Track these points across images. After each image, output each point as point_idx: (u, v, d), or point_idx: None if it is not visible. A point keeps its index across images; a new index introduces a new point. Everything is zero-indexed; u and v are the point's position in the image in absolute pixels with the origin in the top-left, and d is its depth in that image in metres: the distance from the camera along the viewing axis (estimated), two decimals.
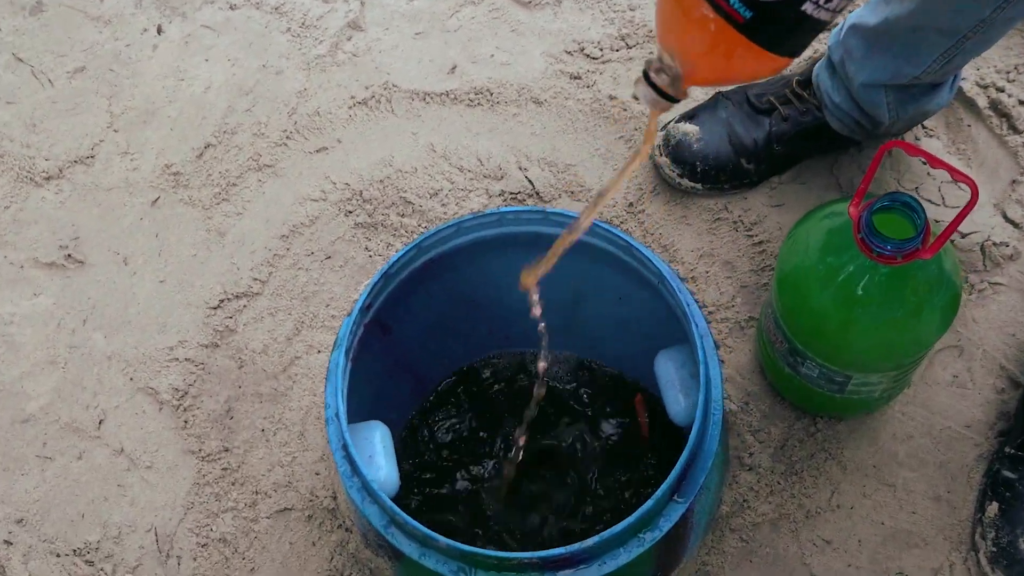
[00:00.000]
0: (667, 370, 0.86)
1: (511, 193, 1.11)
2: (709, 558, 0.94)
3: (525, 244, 0.85)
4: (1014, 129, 1.13)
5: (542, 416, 0.94)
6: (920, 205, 0.76)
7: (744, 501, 0.96)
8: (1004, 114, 1.14)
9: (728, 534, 0.95)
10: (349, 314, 0.78)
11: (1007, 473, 0.94)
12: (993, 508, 0.93)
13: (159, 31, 1.20)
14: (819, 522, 0.96)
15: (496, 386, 1.01)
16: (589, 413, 1.00)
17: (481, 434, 0.99)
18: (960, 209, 0.76)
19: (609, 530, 0.69)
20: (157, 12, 1.22)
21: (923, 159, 0.79)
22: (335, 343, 0.78)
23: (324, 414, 0.75)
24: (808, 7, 0.56)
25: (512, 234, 0.85)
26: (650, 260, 0.82)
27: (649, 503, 0.70)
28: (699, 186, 1.10)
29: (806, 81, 1.08)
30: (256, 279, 1.06)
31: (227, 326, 1.04)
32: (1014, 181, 1.11)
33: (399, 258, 0.80)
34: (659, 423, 0.97)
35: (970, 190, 0.75)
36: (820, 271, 0.85)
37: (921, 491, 0.97)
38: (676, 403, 0.85)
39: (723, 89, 1.13)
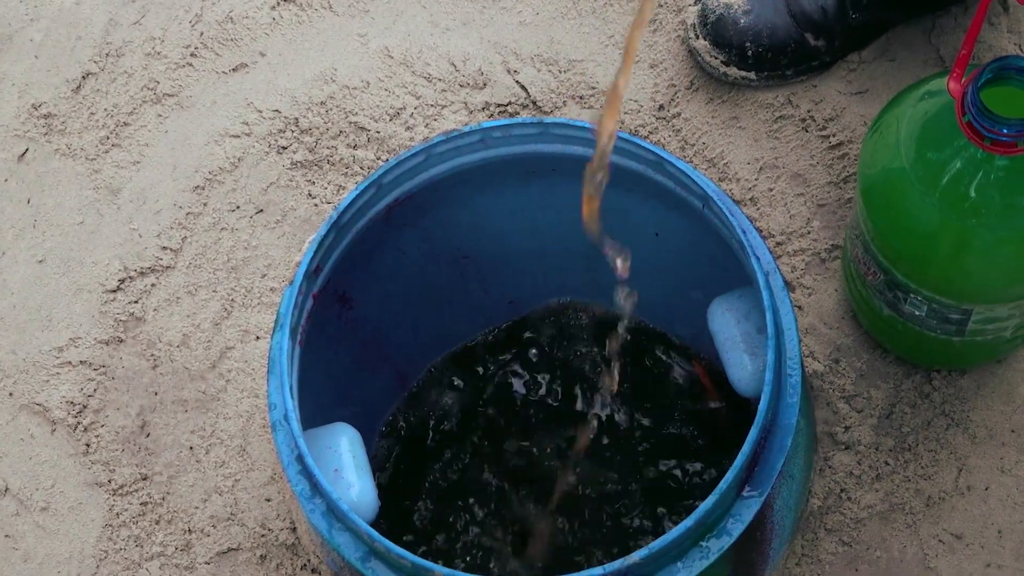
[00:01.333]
0: (725, 323, 0.90)
1: (498, 105, 1.16)
2: (800, 570, 0.98)
3: (520, 170, 0.89)
4: None
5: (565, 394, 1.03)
6: None
7: (842, 491, 1.00)
8: None
9: (823, 535, 0.99)
10: (291, 283, 0.80)
11: None
12: None
13: None
14: (944, 511, 1.01)
15: (501, 371, 1.05)
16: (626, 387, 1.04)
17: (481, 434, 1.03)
18: None
19: (660, 539, 0.70)
20: None
21: None
22: (275, 323, 0.80)
23: (269, 418, 0.77)
24: None
25: (502, 157, 0.87)
26: (690, 177, 0.83)
27: (711, 500, 0.72)
28: (752, 75, 1.15)
29: None
30: (166, 247, 1.10)
31: (132, 313, 1.08)
32: None
33: (352, 201, 0.82)
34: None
35: None
36: (919, 172, 0.89)
37: None
38: (740, 367, 0.88)
39: None
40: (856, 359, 1.05)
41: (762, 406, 0.76)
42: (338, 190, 1.12)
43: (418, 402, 1.03)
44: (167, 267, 1.09)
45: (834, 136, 1.14)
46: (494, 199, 0.91)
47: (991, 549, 0.99)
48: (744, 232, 0.82)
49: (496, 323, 1.06)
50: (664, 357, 1.06)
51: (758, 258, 0.81)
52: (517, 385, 1.05)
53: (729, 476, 0.73)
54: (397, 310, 0.97)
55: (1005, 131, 0.80)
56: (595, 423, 1.03)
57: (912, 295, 0.95)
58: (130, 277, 1.09)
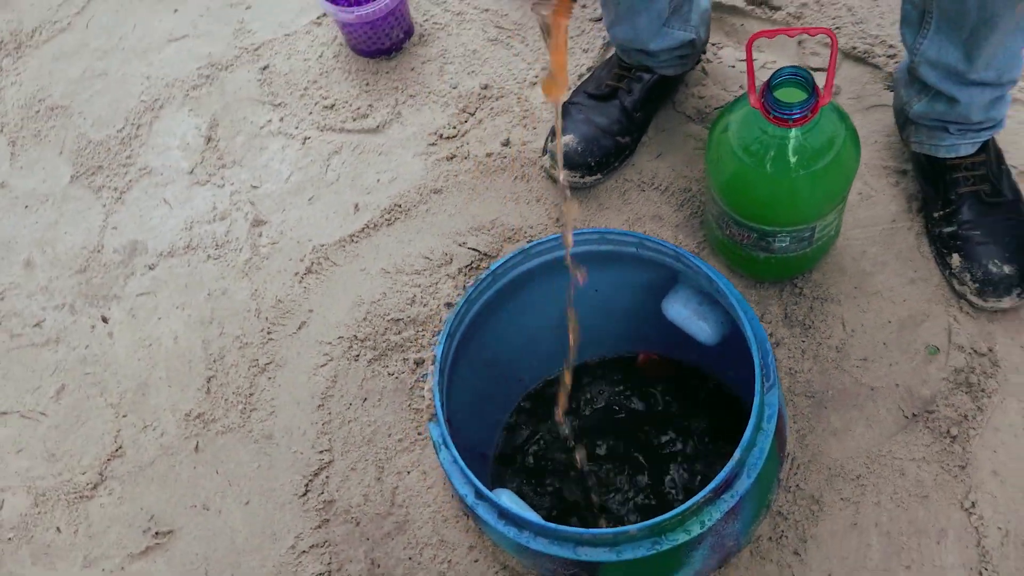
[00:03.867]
0: (677, 310, 1.01)
1: (468, 267, 1.25)
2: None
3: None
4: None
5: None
6: (804, 70, 0.94)
7: (790, 370, 1.12)
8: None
9: (796, 399, 1.11)
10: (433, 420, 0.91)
11: (947, 229, 1.15)
12: (955, 259, 1.13)
13: (104, 321, 1.29)
14: (850, 343, 1.14)
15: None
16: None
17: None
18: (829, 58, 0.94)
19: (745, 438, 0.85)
20: (92, 308, 1.30)
21: (784, 35, 0.98)
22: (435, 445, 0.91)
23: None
24: None
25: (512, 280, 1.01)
26: (622, 233, 0.98)
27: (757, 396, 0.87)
28: (599, 176, 1.27)
29: (619, 59, 1.28)
30: (323, 450, 1.15)
31: (324, 501, 1.12)
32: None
33: (452, 322, 0.96)
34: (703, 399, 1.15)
35: (830, 38, 0.94)
36: (757, 167, 0.99)
37: (899, 283, 1.17)
38: (702, 331, 1.01)
39: (567, 100, 1.31)
40: (750, 295, 1.15)
41: (746, 328, 0.90)
42: (404, 362, 1.17)
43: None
44: (329, 462, 1.13)
45: (660, 185, 1.26)
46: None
47: (883, 336, 1.12)
48: (680, 254, 0.95)
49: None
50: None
51: (687, 262, 0.95)
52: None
53: (757, 379, 0.87)
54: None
55: (797, 109, 0.92)
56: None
57: (779, 235, 1.05)
58: (310, 478, 1.13)
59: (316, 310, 1.25)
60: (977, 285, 1.12)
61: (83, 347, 1.27)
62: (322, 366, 1.20)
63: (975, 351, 1.11)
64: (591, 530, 0.88)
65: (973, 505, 1.03)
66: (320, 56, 1.48)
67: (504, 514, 0.92)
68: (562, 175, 1.06)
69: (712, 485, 0.88)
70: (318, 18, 1.52)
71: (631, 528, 0.87)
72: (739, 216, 1.05)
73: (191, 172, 1.40)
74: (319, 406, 1.17)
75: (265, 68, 1.48)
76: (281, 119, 1.42)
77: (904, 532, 1.03)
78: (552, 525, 0.89)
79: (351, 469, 1.13)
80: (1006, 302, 1.12)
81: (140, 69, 1.52)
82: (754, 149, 0.98)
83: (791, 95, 0.93)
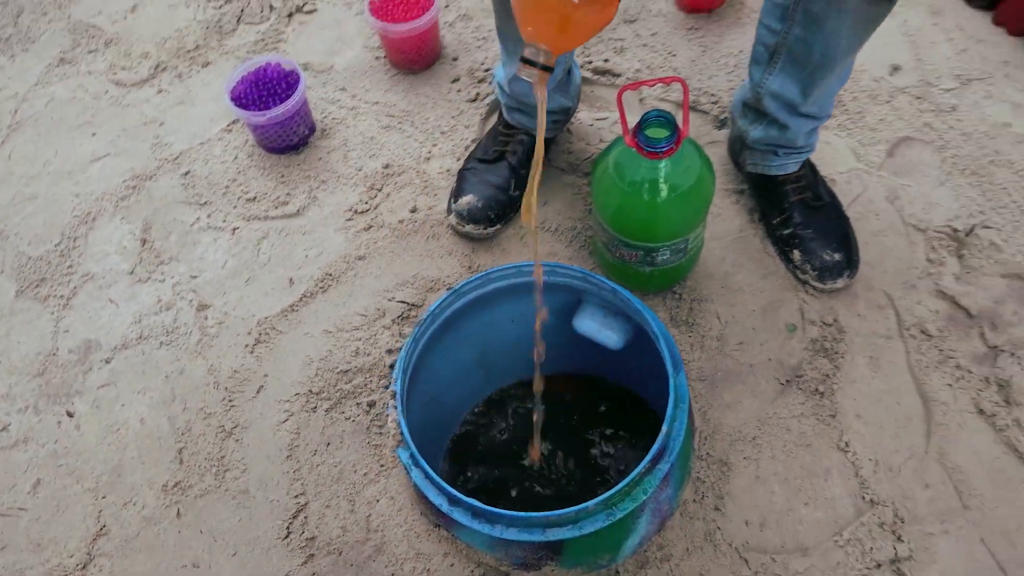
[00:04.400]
0: (586, 325, 1.14)
1: (400, 317, 1.34)
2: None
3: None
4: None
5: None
6: (666, 112, 1.10)
7: (684, 360, 1.26)
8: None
9: (693, 384, 1.25)
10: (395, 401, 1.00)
11: (785, 231, 1.34)
12: (795, 254, 1.32)
13: (70, 415, 1.31)
14: (727, 332, 1.29)
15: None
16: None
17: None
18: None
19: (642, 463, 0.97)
20: (56, 405, 1.32)
21: (645, 85, 1.13)
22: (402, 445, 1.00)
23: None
24: None
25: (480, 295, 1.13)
26: (564, 267, 1.11)
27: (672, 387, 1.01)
28: (499, 226, 1.41)
29: (504, 122, 1.43)
30: (298, 494, 1.20)
31: (306, 539, 1.17)
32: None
33: (416, 334, 1.05)
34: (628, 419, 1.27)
35: (682, 85, 1.10)
36: (623, 183, 1.10)
37: (755, 279, 1.35)
38: (609, 339, 1.13)
39: (460, 168, 1.45)
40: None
41: (658, 333, 1.04)
42: (358, 406, 1.24)
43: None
44: (305, 503, 1.18)
45: (550, 227, 1.39)
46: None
47: (752, 321, 1.27)
48: (587, 275, 1.09)
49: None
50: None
51: (593, 280, 1.10)
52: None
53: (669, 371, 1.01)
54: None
55: (663, 143, 1.06)
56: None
57: (660, 248, 1.18)
58: (292, 534, 1.17)
59: (271, 374, 1.31)
60: (816, 272, 1.31)
61: (52, 442, 1.29)
62: (284, 421, 1.26)
63: (824, 323, 1.29)
64: (555, 512, 0.98)
65: (847, 445, 1.20)
66: (235, 158, 1.57)
67: (478, 513, 1.00)
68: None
69: (649, 456, 1.00)
70: (228, 125, 1.62)
71: (589, 504, 0.98)
72: (627, 238, 1.20)
73: (131, 272, 1.45)
74: (287, 456, 1.23)
75: (187, 174, 1.55)
76: (209, 216, 1.49)
77: (798, 476, 1.18)
78: (522, 514, 0.98)
79: (326, 507, 1.19)
80: (840, 283, 1.31)
81: (68, 188, 1.56)
82: (633, 181, 1.13)
83: (658, 133, 1.09)
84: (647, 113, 1.10)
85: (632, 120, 1.16)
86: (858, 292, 1.32)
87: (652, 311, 1.08)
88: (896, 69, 1.58)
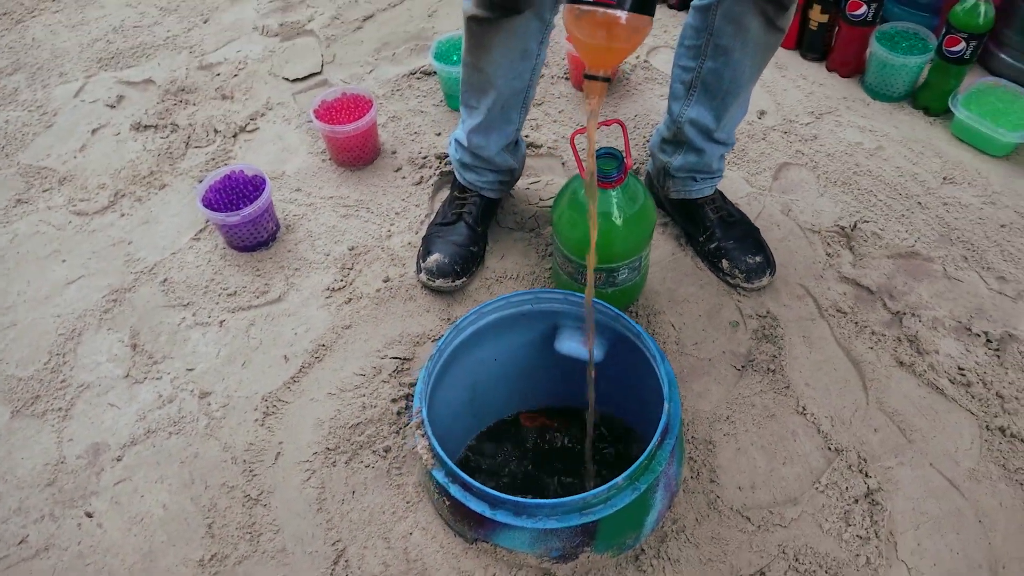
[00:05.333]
0: (568, 346, 1.18)
1: (395, 371, 1.35)
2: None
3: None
4: None
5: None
6: (613, 148, 1.19)
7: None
8: None
9: None
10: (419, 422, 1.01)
11: (711, 246, 1.45)
12: (724, 263, 1.43)
13: (89, 516, 1.23)
14: (683, 336, 1.37)
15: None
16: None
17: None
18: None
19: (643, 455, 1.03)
20: (73, 509, 1.24)
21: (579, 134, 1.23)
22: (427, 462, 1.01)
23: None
24: None
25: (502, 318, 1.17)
26: (520, 293, 1.16)
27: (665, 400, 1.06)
28: (465, 279, 1.46)
29: (459, 186, 1.50)
30: (335, 542, 1.16)
31: None
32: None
33: (433, 359, 1.07)
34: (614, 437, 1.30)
35: (620, 127, 1.20)
36: (578, 210, 1.17)
37: (695, 290, 1.45)
38: (593, 355, 1.17)
39: (423, 235, 1.51)
40: None
41: (661, 371, 1.09)
42: (373, 454, 1.23)
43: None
44: (344, 548, 1.16)
45: (510, 275, 1.44)
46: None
47: (698, 324, 1.36)
48: (567, 295, 1.15)
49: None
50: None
51: (597, 304, 1.16)
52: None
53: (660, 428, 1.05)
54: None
55: (614, 174, 1.16)
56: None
57: (620, 268, 1.24)
58: (334, 562, 1.15)
59: (285, 440, 1.28)
60: (744, 275, 1.42)
61: (75, 544, 1.21)
62: (307, 480, 1.23)
63: (759, 316, 1.40)
64: (590, 492, 1.00)
65: (804, 409, 1.28)
66: (209, 261, 1.56)
67: (520, 509, 1.02)
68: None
69: (658, 433, 1.04)
70: (196, 235, 1.61)
71: (618, 479, 1.01)
72: (581, 264, 1.27)
73: (127, 376, 1.40)
74: (317, 510, 1.20)
75: (164, 281, 1.53)
76: (194, 314, 1.47)
77: (771, 442, 1.25)
78: (560, 499, 1.00)
79: (363, 548, 1.16)
80: (765, 281, 1.43)
81: (48, 311, 1.51)
82: (578, 203, 1.21)
83: (609, 165, 1.19)
84: (598, 150, 1.19)
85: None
86: (779, 287, 1.44)
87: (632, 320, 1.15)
88: (763, 114, 1.77)
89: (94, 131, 1.87)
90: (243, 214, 1.48)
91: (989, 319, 1.38)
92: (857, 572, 1.11)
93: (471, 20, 1.24)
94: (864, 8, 1.71)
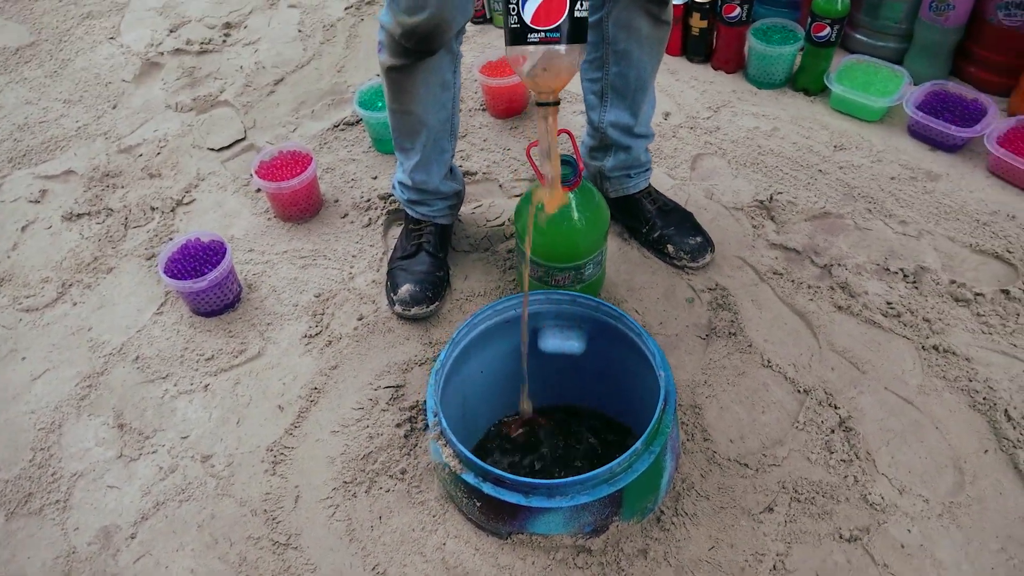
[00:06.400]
0: (552, 343, 1.26)
1: (392, 399, 1.39)
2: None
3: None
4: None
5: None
6: (570, 156, 1.26)
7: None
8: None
9: None
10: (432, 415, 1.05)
11: (654, 235, 1.57)
12: (669, 248, 1.56)
13: None
14: (648, 318, 1.47)
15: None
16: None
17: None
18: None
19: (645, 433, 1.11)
20: None
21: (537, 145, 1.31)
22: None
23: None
24: (579, 14, 0.95)
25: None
26: (507, 299, 1.23)
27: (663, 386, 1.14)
28: (437, 303, 1.51)
29: (413, 219, 1.56)
30: (373, 566, 1.18)
31: None
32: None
33: (442, 360, 1.13)
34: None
35: (568, 136, 1.29)
36: (560, 226, 1.26)
37: (648, 276, 1.56)
38: (573, 347, 1.25)
39: (387, 271, 1.55)
40: None
41: (652, 347, 1.18)
42: (390, 479, 1.26)
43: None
44: (384, 571, 1.17)
45: (477, 293, 1.51)
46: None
47: (657, 315, 1.47)
48: (550, 293, 1.23)
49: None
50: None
51: (579, 297, 1.24)
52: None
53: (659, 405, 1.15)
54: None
55: (571, 179, 1.23)
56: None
57: (586, 264, 1.32)
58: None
59: (301, 484, 1.29)
60: (688, 256, 1.54)
61: None
62: (332, 515, 1.25)
63: (710, 289, 1.52)
64: (615, 460, 1.07)
65: (769, 361, 1.41)
66: (178, 332, 1.55)
67: (553, 490, 1.08)
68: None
69: (660, 399, 1.13)
70: (158, 309, 1.60)
71: (637, 445, 1.09)
72: (559, 263, 1.36)
73: (120, 456, 1.37)
74: (350, 541, 1.21)
75: (137, 358, 1.51)
76: (175, 384, 1.46)
77: (747, 397, 1.36)
78: (588, 474, 1.07)
79: (403, 566, 1.18)
80: (707, 258, 1.56)
81: (20, 410, 1.46)
82: (554, 215, 1.29)
83: (565, 170, 1.28)
84: (562, 158, 1.28)
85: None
86: (720, 262, 1.58)
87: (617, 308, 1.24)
88: (668, 115, 1.92)
89: (23, 228, 1.82)
90: (209, 278, 1.49)
91: (901, 257, 1.56)
92: (848, 491, 1.23)
93: (390, 70, 1.31)
94: (738, 10, 1.90)
